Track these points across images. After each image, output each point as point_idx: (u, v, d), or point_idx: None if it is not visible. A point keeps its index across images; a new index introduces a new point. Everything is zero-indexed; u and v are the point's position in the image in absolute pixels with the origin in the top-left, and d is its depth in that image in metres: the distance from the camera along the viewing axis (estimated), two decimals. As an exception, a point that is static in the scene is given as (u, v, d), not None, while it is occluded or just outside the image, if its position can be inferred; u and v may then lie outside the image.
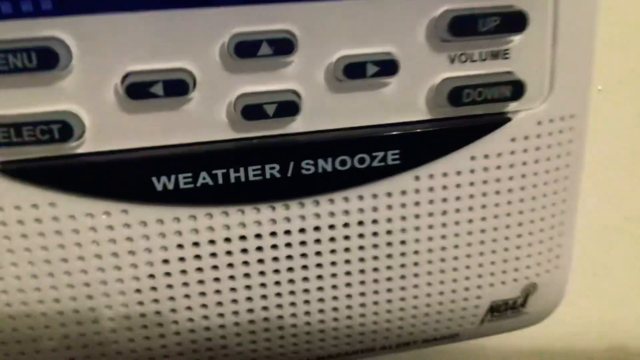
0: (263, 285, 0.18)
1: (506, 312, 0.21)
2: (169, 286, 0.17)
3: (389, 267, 0.18)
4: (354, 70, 0.16)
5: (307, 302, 0.18)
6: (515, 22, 0.16)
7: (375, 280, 0.18)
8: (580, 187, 0.20)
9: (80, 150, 0.15)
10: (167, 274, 0.17)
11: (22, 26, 0.14)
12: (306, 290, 0.18)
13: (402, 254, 0.18)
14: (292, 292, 0.18)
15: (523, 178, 0.18)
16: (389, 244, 0.18)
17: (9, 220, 0.16)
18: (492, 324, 0.21)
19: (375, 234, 0.18)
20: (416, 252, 0.18)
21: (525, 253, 0.19)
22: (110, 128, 0.15)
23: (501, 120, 0.18)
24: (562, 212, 0.20)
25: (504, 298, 0.20)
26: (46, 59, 0.14)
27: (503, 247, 0.19)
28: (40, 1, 0.14)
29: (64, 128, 0.15)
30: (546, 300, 0.21)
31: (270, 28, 0.15)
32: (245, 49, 0.15)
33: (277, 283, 0.18)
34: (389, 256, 0.18)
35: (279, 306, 0.18)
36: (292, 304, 0.18)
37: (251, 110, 0.16)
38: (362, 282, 0.18)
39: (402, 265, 0.18)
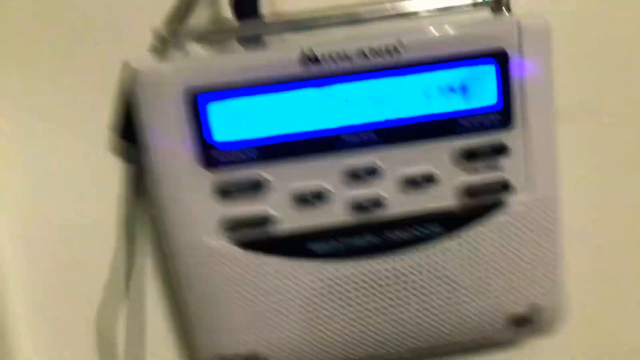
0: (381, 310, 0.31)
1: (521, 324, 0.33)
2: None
3: (442, 288, 0.31)
4: (412, 182, 0.30)
5: (396, 312, 0.31)
6: (499, 149, 0.30)
7: (432, 297, 0.31)
8: (562, 240, 0.32)
9: (276, 232, 0.30)
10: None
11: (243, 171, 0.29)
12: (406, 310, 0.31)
13: (452, 287, 0.31)
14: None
15: (523, 234, 0.31)
16: (443, 276, 0.31)
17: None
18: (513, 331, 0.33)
19: (435, 272, 0.31)
20: (457, 284, 0.31)
21: (530, 282, 0.32)
22: (290, 217, 0.30)
23: (501, 203, 0.30)
24: (551, 257, 0.32)
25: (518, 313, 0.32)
26: (255, 187, 0.29)
27: (515, 278, 0.31)
28: (248, 154, 0.29)
29: (267, 219, 0.29)
30: (550, 317, 0.33)
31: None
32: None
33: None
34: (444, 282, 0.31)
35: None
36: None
37: (359, 205, 0.30)
38: (425, 297, 0.31)
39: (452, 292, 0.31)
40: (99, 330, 0.35)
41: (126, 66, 0.31)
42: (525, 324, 0.33)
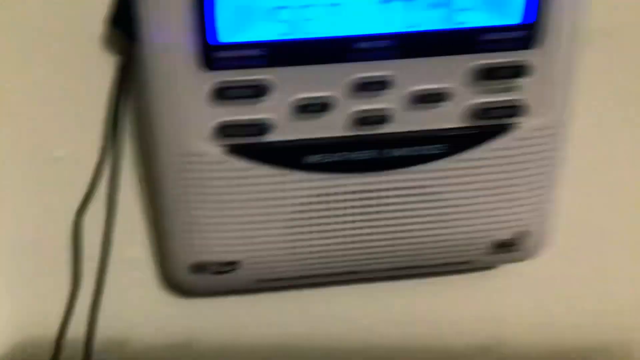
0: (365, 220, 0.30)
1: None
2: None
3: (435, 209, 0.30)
4: (422, 98, 0.28)
5: (386, 230, 0.31)
6: (521, 71, 0.28)
7: (423, 217, 0.31)
8: (561, 167, 0.31)
9: (268, 140, 0.28)
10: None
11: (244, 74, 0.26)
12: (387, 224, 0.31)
13: (443, 207, 0.30)
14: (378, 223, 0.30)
15: (525, 161, 0.30)
16: (438, 197, 0.30)
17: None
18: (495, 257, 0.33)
19: (431, 192, 0.30)
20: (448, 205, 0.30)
21: (521, 207, 0.31)
22: (288, 126, 0.28)
23: (512, 127, 0.29)
24: (546, 187, 0.31)
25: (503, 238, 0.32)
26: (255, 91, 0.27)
27: (505, 201, 0.31)
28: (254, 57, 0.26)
29: (264, 127, 0.27)
30: (534, 243, 0.33)
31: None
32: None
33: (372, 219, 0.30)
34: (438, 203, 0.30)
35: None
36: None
37: (363, 120, 0.28)
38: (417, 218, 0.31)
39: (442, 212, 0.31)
40: (76, 232, 0.33)
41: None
42: (509, 248, 0.33)
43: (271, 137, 0.28)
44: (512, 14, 0.27)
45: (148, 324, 0.36)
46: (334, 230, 0.30)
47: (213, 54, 0.26)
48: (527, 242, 0.33)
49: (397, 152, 0.29)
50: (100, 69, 0.30)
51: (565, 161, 0.31)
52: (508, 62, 0.28)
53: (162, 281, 0.35)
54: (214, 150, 0.28)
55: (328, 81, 0.27)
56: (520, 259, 0.34)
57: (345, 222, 0.30)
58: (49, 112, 0.31)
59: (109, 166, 0.32)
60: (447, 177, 0.30)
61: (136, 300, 0.35)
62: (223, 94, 0.27)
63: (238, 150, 0.28)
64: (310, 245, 0.31)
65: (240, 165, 0.28)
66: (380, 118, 0.28)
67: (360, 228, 0.31)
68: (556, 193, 0.32)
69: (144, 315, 0.36)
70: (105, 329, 0.35)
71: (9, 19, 0.30)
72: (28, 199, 0.33)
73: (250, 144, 0.28)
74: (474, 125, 0.29)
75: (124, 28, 0.28)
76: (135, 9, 0.26)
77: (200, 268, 0.31)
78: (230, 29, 0.26)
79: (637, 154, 0.36)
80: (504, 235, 0.32)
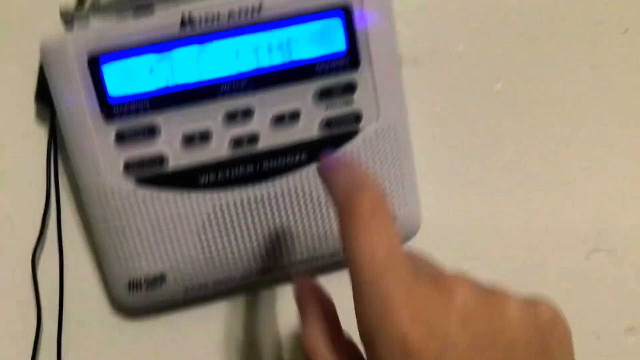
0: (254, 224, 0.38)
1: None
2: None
3: (309, 208, 0.38)
4: (281, 119, 0.36)
5: (274, 231, 0.38)
6: (349, 87, 0.36)
7: (302, 217, 0.38)
8: (412, 162, 0.39)
9: (167, 169, 0.36)
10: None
11: (137, 120, 0.35)
12: (274, 225, 0.38)
13: (318, 205, 0.38)
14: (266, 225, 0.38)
15: (376, 157, 0.38)
16: (309, 198, 0.38)
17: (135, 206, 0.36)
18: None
19: (302, 194, 0.37)
20: (321, 203, 0.38)
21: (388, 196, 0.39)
22: (180, 156, 0.36)
23: (355, 132, 0.37)
24: (403, 177, 0.39)
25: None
26: (149, 132, 0.35)
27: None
28: (142, 106, 0.35)
29: (161, 159, 0.35)
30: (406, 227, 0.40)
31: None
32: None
33: (259, 222, 0.38)
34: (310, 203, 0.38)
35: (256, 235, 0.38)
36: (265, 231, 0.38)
37: (238, 142, 0.36)
38: (297, 218, 0.38)
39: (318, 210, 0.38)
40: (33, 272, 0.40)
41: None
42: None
43: (169, 166, 0.36)
44: (336, 46, 0.36)
45: (111, 352, 0.42)
46: (234, 236, 0.38)
47: (109, 108, 0.35)
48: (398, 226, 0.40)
49: (269, 165, 0.37)
50: (36, 136, 0.39)
51: (413, 154, 0.39)
52: (339, 82, 0.36)
53: (114, 307, 0.42)
54: (125, 183, 0.36)
55: (204, 116, 0.36)
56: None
57: (240, 227, 0.38)
58: None
59: (54, 212, 0.40)
60: (314, 179, 0.37)
61: (96, 332, 0.42)
62: (123, 137, 0.35)
63: (144, 181, 0.36)
64: (219, 251, 0.38)
65: (148, 192, 0.36)
66: (251, 139, 0.36)
67: (254, 231, 0.38)
68: (414, 182, 0.39)
69: (105, 344, 0.42)
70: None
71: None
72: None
73: (153, 175, 0.36)
74: (326, 135, 0.37)
75: (46, 101, 0.37)
76: (47, 83, 0.35)
77: (134, 285, 0.38)
78: (119, 87, 0.35)
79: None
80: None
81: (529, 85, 0.43)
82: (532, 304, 0.25)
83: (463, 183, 0.43)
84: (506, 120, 0.43)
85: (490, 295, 0.24)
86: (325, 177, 0.29)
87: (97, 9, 0.36)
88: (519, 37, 0.43)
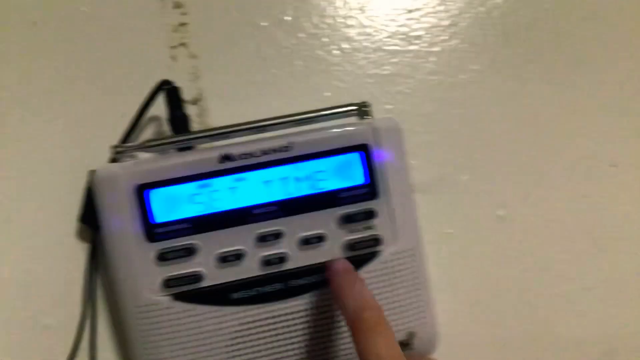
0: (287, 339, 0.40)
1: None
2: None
3: (334, 323, 0.40)
4: (307, 241, 0.40)
5: (302, 345, 0.40)
6: (370, 214, 0.40)
7: (327, 331, 0.40)
8: (427, 280, 0.42)
9: (203, 285, 0.39)
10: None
11: (177, 241, 0.39)
12: (302, 339, 0.40)
13: (339, 319, 0.41)
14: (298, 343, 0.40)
15: (395, 278, 0.41)
16: (334, 314, 0.40)
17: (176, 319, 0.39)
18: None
19: (327, 311, 0.40)
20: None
21: (405, 314, 0.41)
22: (215, 274, 0.39)
23: (375, 254, 0.41)
24: (420, 294, 0.42)
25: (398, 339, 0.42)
26: (187, 252, 0.39)
27: (392, 311, 0.41)
28: (183, 229, 0.39)
29: (198, 277, 0.39)
30: (424, 341, 0.43)
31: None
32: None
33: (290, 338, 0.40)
34: (335, 318, 0.40)
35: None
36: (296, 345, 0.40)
37: (268, 262, 0.39)
38: (322, 332, 0.40)
39: (339, 323, 0.41)
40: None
41: (90, 172, 0.41)
42: (405, 347, 0.42)
43: (204, 283, 0.39)
44: (357, 178, 0.40)
45: None
46: (263, 349, 0.40)
47: (153, 230, 0.39)
48: (418, 340, 0.42)
49: (297, 282, 0.40)
50: (75, 255, 0.42)
51: (428, 273, 0.42)
52: (360, 209, 0.40)
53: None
54: (163, 299, 0.39)
55: (238, 238, 0.40)
56: (421, 353, 0.43)
57: (268, 341, 0.40)
58: (37, 288, 0.43)
59: (88, 328, 0.42)
60: (337, 297, 0.40)
61: None
62: (164, 257, 0.39)
63: (181, 297, 0.39)
64: (246, 364, 0.40)
65: (184, 307, 0.39)
66: (280, 259, 0.40)
67: (282, 345, 0.40)
68: (430, 299, 0.42)
69: None
70: None
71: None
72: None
73: (189, 291, 0.39)
74: (348, 256, 0.41)
75: (90, 223, 0.41)
76: (96, 208, 0.39)
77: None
78: (163, 212, 0.39)
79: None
80: (398, 336, 0.42)
81: (530, 211, 0.47)
82: None
83: (477, 299, 0.46)
84: (509, 242, 0.47)
85: None
86: (337, 298, 0.37)
87: (143, 147, 0.41)
88: (519, 169, 0.48)
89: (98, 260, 0.43)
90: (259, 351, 0.40)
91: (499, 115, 0.48)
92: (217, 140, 0.41)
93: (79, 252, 0.43)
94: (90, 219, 0.42)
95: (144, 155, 0.41)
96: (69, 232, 0.43)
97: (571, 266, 0.47)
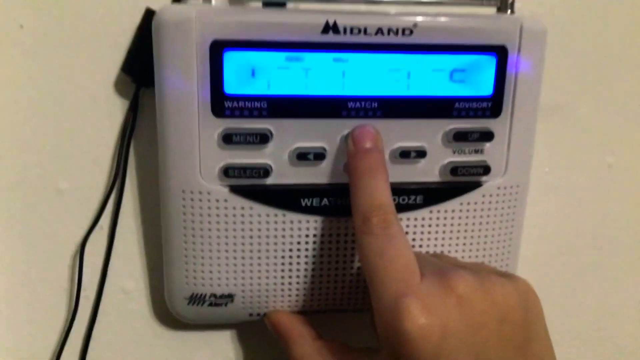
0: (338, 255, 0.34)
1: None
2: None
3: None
4: (405, 154, 0.32)
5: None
6: (486, 136, 0.32)
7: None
8: (522, 224, 0.35)
9: (268, 182, 0.32)
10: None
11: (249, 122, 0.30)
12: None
13: (419, 250, 0.34)
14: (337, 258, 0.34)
15: (491, 216, 0.34)
16: (414, 244, 0.34)
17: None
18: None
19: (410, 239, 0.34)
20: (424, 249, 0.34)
21: (486, 256, 0.35)
22: (286, 172, 0.32)
23: (478, 184, 0.34)
24: (512, 238, 0.35)
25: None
26: (259, 139, 0.31)
27: (473, 251, 0.35)
28: (258, 108, 0.30)
29: (265, 171, 0.31)
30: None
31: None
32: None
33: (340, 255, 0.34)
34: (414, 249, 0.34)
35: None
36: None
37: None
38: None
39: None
40: (77, 262, 0.36)
41: (148, 10, 0.32)
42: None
43: (270, 180, 0.32)
44: (483, 88, 0.32)
45: (139, 354, 0.38)
46: (324, 268, 0.34)
47: (222, 103, 0.30)
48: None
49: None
50: (109, 111, 0.34)
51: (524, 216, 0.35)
52: (476, 127, 0.32)
53: (156, 313, 0.37)
54: (219, 189, 0.32)
55: (323, 134, 0.32)
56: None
57: (332, 261, 0.34)
58: (58, 147, 0.35)
59: (113, 200, 0.35)
60: (422, 226, 0.34)
61: (129, 331, 0.37)
62: (230, 139, 0.31)
63: (240, 191, 0.32)
64: (299, 281, 0.34)
65: (242, 204, 0.32)
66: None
67: (346, 268, 0.34)
68: (518, 245, 0.36)
69: (135, 345, 0.38)
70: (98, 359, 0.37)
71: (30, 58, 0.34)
72: (31, 228, 0.35)
73: (251, 185, 0.32)
74: (446, 181, 0.33)
75: (133, 75, 0.32)
76: (151, 60, 0.30)
77: (197, 300, 0.34)
78: (238, 82, 0.30)
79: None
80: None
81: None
82: (511, 279, 0.28)
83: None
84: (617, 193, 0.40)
85: (481, 280, 0.27)
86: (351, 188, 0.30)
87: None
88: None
89: (135, 124, 0.34)
90: (321, 269, 0.34)
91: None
92: (323, 2, 0.31)
93: (115, 109, 0.34)
94: (136, 70, 0.33)
95: (220, 2, 0.32)
96: (106, 82, 0.34)
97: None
